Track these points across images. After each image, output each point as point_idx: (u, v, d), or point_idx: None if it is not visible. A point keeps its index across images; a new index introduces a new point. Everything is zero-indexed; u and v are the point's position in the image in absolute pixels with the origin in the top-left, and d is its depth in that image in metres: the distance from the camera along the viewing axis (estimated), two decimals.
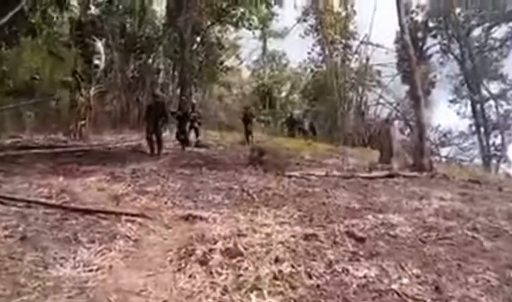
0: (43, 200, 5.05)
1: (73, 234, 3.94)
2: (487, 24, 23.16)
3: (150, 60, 21.77)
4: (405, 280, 3.23)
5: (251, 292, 2.97)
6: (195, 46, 23.46)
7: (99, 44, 10.65)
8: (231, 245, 3.79)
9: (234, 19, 23.27)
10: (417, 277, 3.31)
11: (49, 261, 3.30)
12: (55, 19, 15.90)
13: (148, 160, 9.33)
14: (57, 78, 15.80)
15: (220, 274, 3.24)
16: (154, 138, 10.62)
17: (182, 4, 20.36)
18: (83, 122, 13.69)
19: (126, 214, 4.72)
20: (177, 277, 3.24)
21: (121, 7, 20.36)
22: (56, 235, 3.88)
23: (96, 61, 16.45)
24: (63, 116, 15.07)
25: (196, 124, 13.72)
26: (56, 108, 15.61)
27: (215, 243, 3.87)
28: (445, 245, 4.12)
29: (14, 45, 13.81)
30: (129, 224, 4.44)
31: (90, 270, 3.23)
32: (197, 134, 13.76)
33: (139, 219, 4.64)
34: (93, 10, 19.66)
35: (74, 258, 3.42)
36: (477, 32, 23.87)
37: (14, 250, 3.42)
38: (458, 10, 23.14)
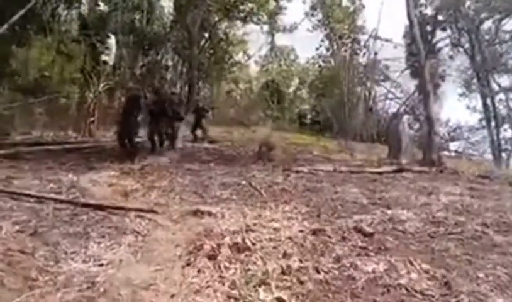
0: (53, 195, 5.11)
1: (83, 229, 3.99)
2: (497, 17, 22.82)
3: (159, 57, 21.83)
4: (414, 276, 3.22)
5: (260, 286, 2.98)
6: (203, 42, 23.48)
7: (109, 41, 10.49)
8: (239, 240, 3.80)
9: (243, 15, 23.21)
10: (426, 272, 3.29)
11: (60, 256, 3.35)
12: (63, 16, 16.02)
13: (157, 156, 9.37)
14: (66, 76, 15.92)
15: (228, 269, 3.26)
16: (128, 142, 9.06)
17: (190, 0, 20.37)
18: (92, 119, 13.79)
19: (135, 210, 4.77)
20: (185, 271, 3.27)
21: (129, 3, 20.42)
22: (67, 230, 3.93)
23: (105, 58, 16.52)
24: (73, 112, 15.21)
25: (174, 126, 10.63)
26: (66, 105, 15.74)
27: (223, 238, 3.88)
28: (454, 240, 4.10)
29: (25, 43, 13.94)
30: (138, 220, 4.49)
31: (101, 265, 3.27)
32: (168, 138, 10.55)
33: (148, 215, 4.69)
34: (101, 6, 19.78)
35: (85, 252, 3.46)
36: (487, 25, 23.51)
37: (26, 244, 3.47)
38: (467, 3, 22.85)
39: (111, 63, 18.65)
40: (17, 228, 3.80)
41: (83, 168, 7.45)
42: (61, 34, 16.21)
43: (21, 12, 9.35)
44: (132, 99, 9.51)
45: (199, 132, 13.35)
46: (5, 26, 8.93)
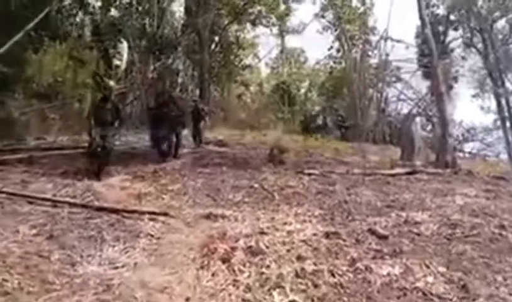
0: (68, 199, 5.18)
1: (98, 232, 4.03)
2: (510, 16, 22.51)
3: (170, 61, 21.96)
4: (430, 279, 3.18)
5: (274, 289, 2.98)
6: (213, 46, 23.59)
7: (122, 46, 10.32)
8: (253, 243, 3.80)
9: (252, 17, 23.31)
10: (443, 275, 3.25)
11: (76, 259, 3.39)
12: (77, 22, 16.26)
13: (169, 159, 9.40)
14: (79, 81, 16.13)
15: (243, 272, 3.26)
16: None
17: (200, 4, 20.51)
18: None
19: (149, 213, 4.80)
20: (200, 274, 3.27)
21: (140, 8, 20.61)
22: (82, 234, 3.97)
23: (117, 62, 16.59)
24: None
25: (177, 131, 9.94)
26: (79, 110, 15.92)
27: (237, 241, 3.89)
28: (470, 243, 4.03)
29: (39, 50, 14.16)
30: (152, 223, 4.52)
31: (116, 268, 3.30)
32: (170, 147, 9.61)
33: (161, 218, 4.71)
34: (113, 12, 19.99)
35: (100, 256, 3.50)
36: (500, 24, 23.24)
37: (43, 248, 3.52)
38: (480, 2, 22.57)
39: (123, 67, 18.81)
40: (33, 231, 3.86)
41: (96, 172, 7.50)
42: (76, 41, 16.44)
43: (37, 18, 9.46)
44: (108, 103, 7.71)
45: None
46: (22, 33, 9.04)
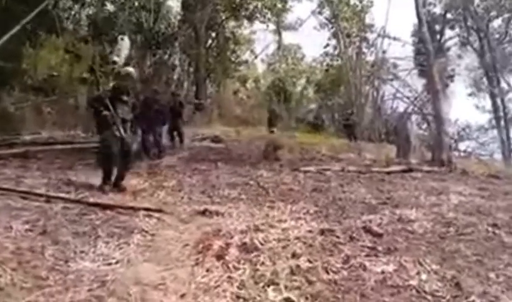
0: (62, 195, 5.15)
1: (92, 228, 4.01)
2: (507, 15, 22.60)
3: (166, 56, 21.88)
4: (424, 276, 3.19)
5: (269, 286, 2.97)
6: (210, 41, 23.53)
7: (122, 42, 9.96)
8: (247, 240, 3.80)
9: (249, 13, 23.27)
10: (436, 273, 3.26)
11: (69, 255, 3.36)
12: (73, 16, 16.15)
13: (165, 155, 9.38)
14: (75, 75, 16.01)
15: (237, 269, 3.26)
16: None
17: None
18: None
19: (144, 209, 4.78)
20: (194, 271, 3.26)
21: (136, 3, 20.51)
22: (76, 229, 3.94)
23: (115, 58, 16.43)
24: (82, 112, 15.28)
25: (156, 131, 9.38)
26: (75, 104, 15.83)
27: (232, 237, 3.88)
28: (464, 241, 4.05)
29: (36, 44, 14.05)
30: (146, 219, 4.50)
31: (110, 264, 3.28)
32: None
33: (156, 214, 4.69)
34: (108, 6, 19.87)
35: (94, 252, 3.48)
36: (496, 23, 23.35)
37: (36, 243, 3.48)
38: (476, 1, 22.64)
39: (121, 63, 18.71)
40: (27, 227, 3.83)
41: (91, 167, 7.46)
42: (73, 34, 16.32)
43: (34, 13, 9.34)
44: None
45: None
46: (18, 27, 8.91)
